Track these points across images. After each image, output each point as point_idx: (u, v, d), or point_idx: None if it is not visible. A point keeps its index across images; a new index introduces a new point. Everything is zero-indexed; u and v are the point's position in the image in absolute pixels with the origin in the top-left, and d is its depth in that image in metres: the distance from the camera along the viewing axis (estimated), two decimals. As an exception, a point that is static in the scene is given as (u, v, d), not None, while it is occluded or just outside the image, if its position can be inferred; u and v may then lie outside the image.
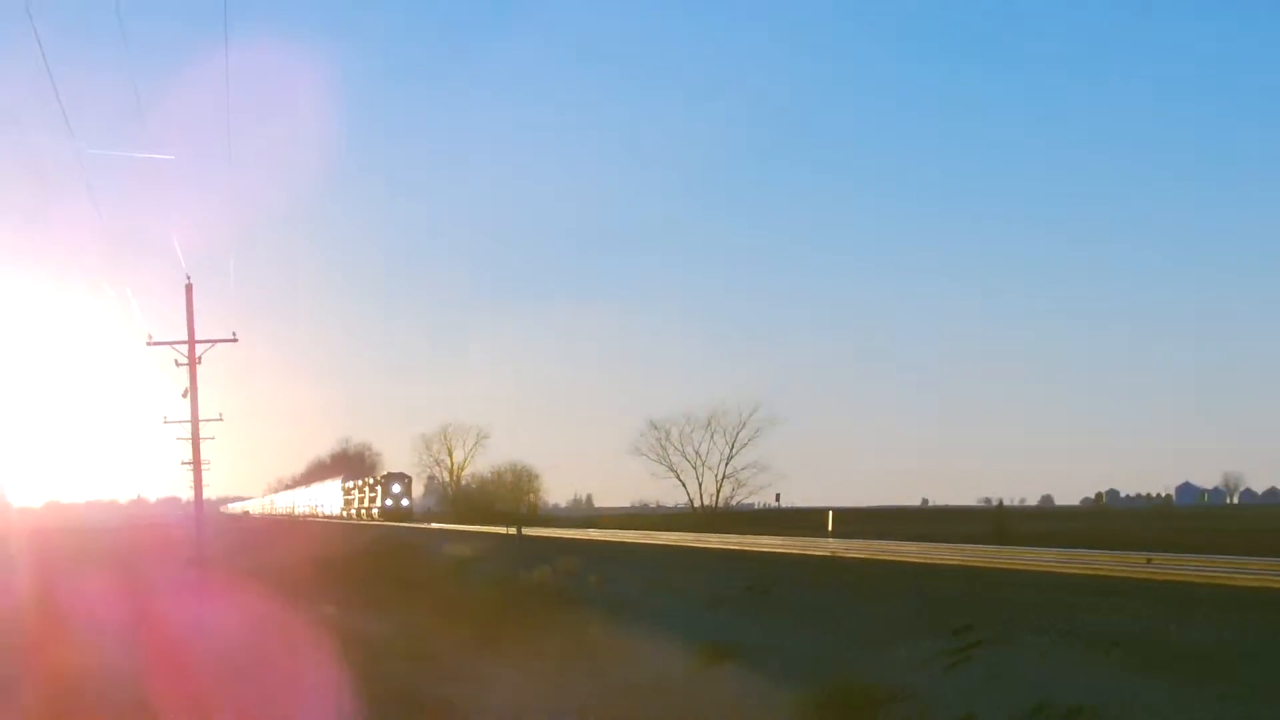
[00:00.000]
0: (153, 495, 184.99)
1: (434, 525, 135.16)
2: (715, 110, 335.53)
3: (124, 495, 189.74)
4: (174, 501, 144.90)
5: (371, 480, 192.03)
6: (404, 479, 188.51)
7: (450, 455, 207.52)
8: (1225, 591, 32.97)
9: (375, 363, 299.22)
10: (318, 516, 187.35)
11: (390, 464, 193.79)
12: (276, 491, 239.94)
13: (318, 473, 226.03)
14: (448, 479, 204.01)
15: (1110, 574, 41.13)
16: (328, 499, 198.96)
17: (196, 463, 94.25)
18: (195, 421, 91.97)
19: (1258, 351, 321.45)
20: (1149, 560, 48.38)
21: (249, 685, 35.73)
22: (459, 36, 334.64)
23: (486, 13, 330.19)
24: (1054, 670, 25.68)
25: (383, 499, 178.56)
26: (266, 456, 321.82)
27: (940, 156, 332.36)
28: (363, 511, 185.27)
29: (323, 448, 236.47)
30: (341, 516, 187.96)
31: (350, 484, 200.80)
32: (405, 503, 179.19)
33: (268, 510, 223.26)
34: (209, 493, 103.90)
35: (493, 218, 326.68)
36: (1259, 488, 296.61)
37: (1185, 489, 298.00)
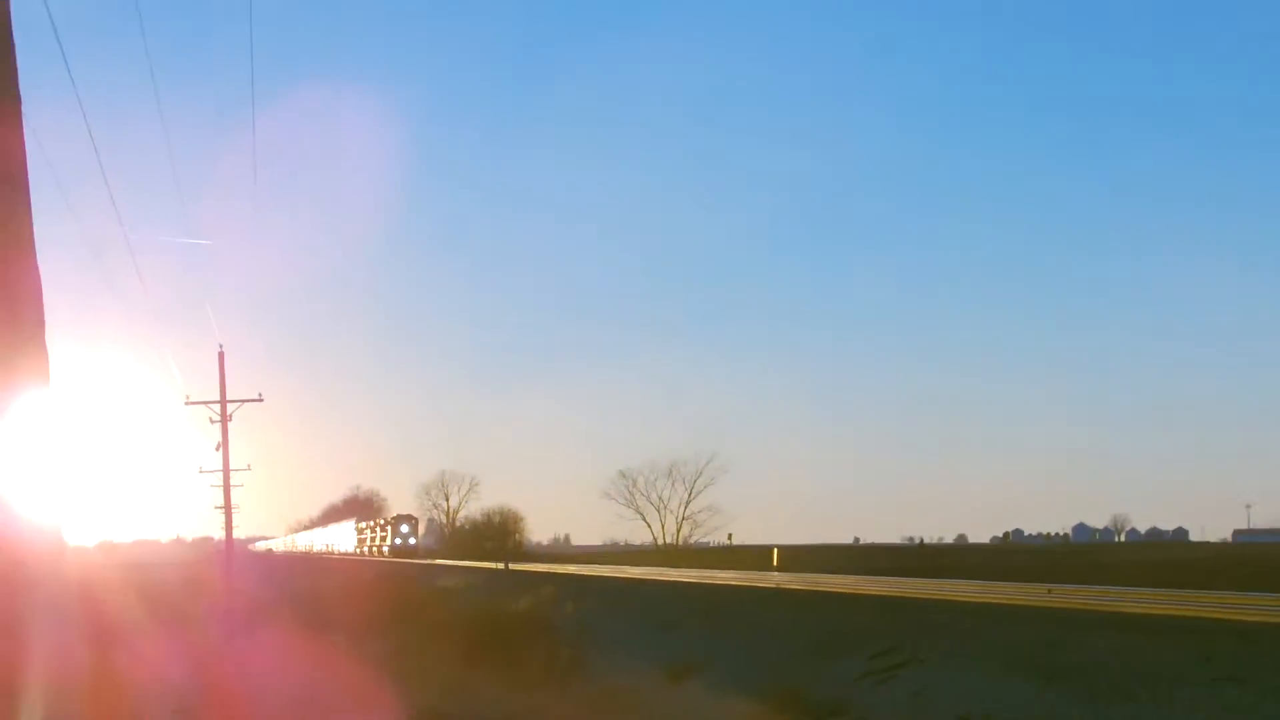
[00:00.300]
0: (189, 535, 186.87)
1: (435, 561, 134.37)
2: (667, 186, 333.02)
3: (165, 535, 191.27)
4: (208, 540, 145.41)
5: (382, 521, 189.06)
6: (411, 520, 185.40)
7: (447, 500, 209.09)
8: (1115, 617, 32.96)
9: (383, 418, 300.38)
10: (333, 554, 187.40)
11: (396, 508, 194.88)
12: (296, 532, 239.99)
13: (332, 515, 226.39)
14: (445, 521, 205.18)
15: (1017, 602, 41.14)
16: (342, 538, 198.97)
17: (228, 508, 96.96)
18: (226, 471, 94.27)
19: (1143, 404, 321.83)
20: (1049, 590, 48.48)
21: (267, 691, 35.96)
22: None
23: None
24: (972, 685, 25.71)
25: (392, 538, 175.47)
26: (287, 500, 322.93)
27: (851, 220, 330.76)
28: (374, 549, 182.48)
29: (336, 493, 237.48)
30: (355, 554, 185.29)
31: (363, 524, 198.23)
32: (412, 541, 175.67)
33: (289, 548, 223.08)
34: (238, 533, 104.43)
35: (486, 291, 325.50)
36: (1142, 527, 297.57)
37: (1080, 528, 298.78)
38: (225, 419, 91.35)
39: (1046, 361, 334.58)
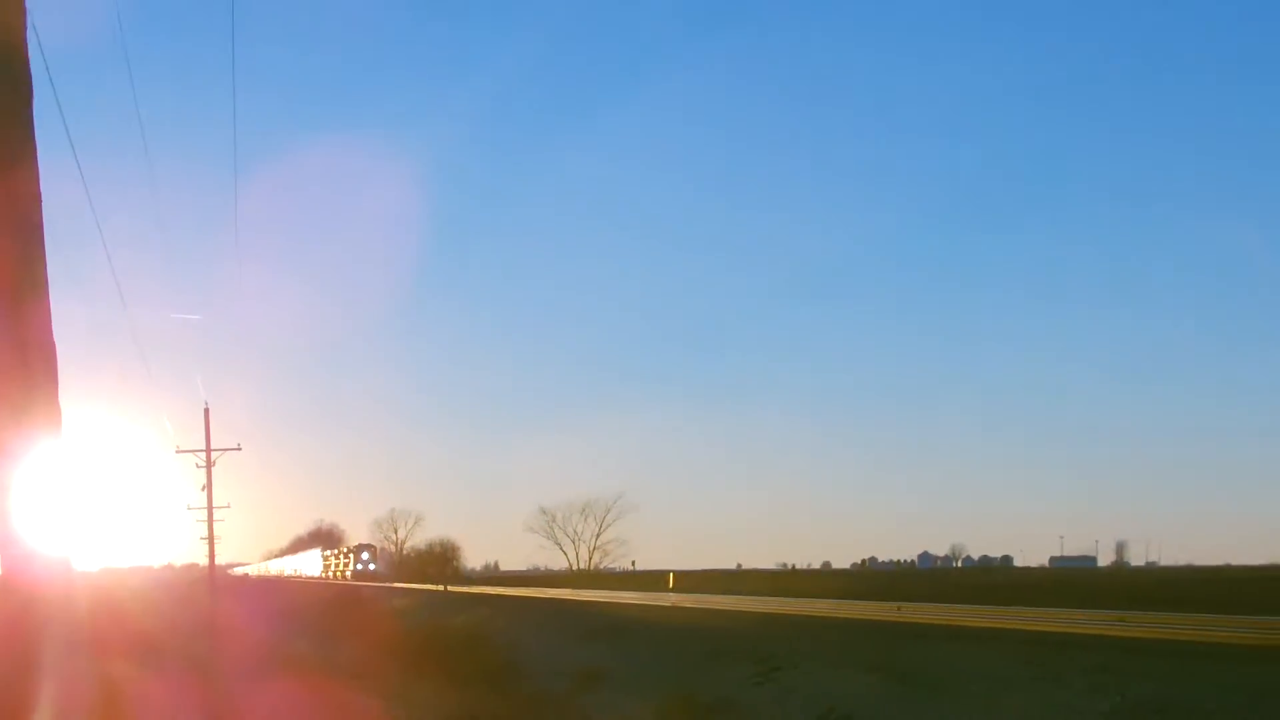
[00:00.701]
0: (178, 561, 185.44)
1: (388, 584, 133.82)
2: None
3: (157, 562, 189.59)
4: (194, 566, 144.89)
5: (345, 549, 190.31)
6: (371, 548, 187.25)
7: (396, 532, 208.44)
8: (954, 629, 33.04)
9: (342, 462, 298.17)
10: (301, 577, 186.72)
11: (353, 539, 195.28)
12: (269, 559, 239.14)
13: (299, 545, 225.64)
14: (395, 550, 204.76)
15: (871, 617, 41.15)
16: (310, 564, 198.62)
17: (211, 539, 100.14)
18: (210, 508, 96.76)
19: (974, 444, 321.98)
20: (899, 608, 48.56)
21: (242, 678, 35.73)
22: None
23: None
24: (835, 685, 25.72)
25: (354, 564, 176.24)
26: (261, 532, 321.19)
27: (737, 295, 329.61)
28: (338, 573, 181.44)
29: (302, 526, 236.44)
30: (321, 577, 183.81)
31: (328, 552, 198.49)
32: (372, 567, 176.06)
33: (263, 573, 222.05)
34: (219, 559, 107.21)
35: (428, 349, 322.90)
36: (975, 555, 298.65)
37: (924, 556, 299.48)
38: (210, 465, 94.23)
39: (899, 403, 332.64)
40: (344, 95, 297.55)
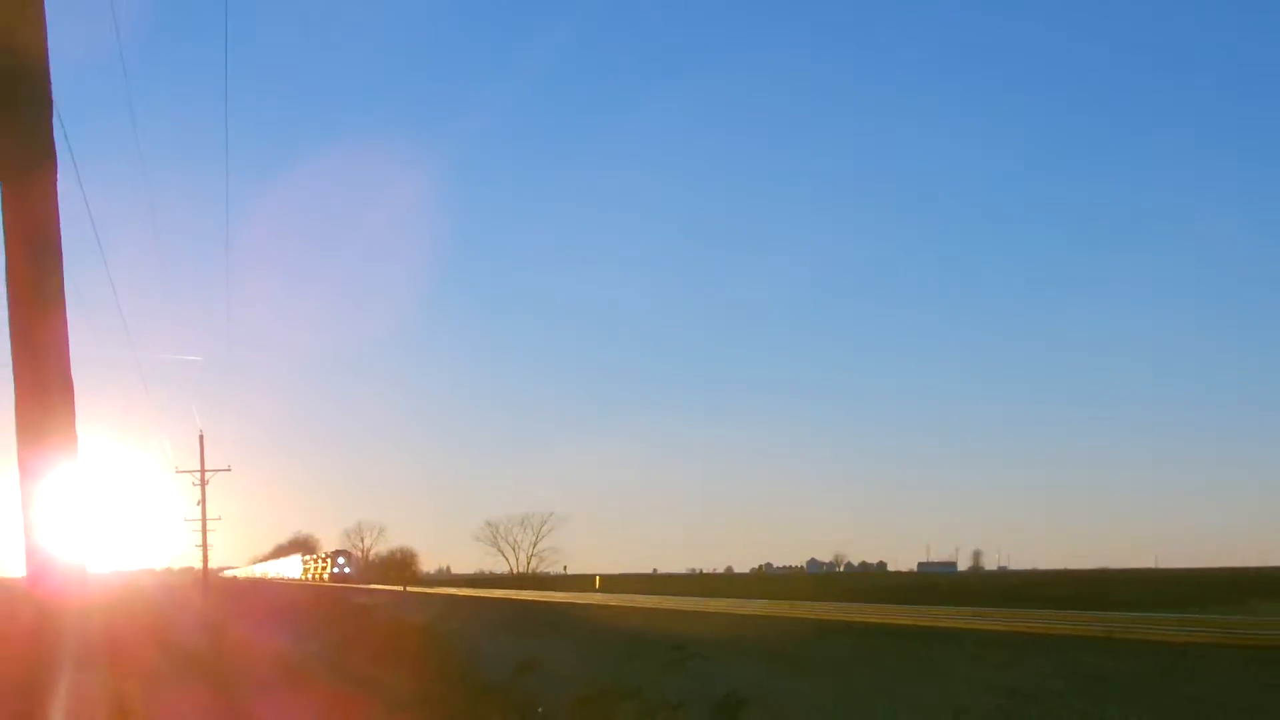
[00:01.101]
0: (176, 565, 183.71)
1: (357, 585, 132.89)
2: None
3: (158, 565, 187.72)
4: (190, 569, 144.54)
5: (323, 554, 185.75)
6: (346, 553, 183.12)
7: (363, 540, 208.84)
8: (844, 624, 33.07)
9: (317, 478, 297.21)
10: (283, 579, 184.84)
11: (326, 547, 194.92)
12: (254, 563, 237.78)
13: (280, 551, 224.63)
14: (362, 556, 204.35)
15: (772, 614, 41.17)
16: (291, 568, 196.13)
17: (204, 546, 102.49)
18: (204, 519, 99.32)
19: (850, 457, 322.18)
20: (792, 605, 48.65)
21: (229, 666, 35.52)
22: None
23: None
24: (739, 673, 25.64)
25: (331, 567, 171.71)
26: (247, 539, 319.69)
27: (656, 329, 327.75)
28: (317, 576, 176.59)
29: (283, 535, 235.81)
30: (301, 580, 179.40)
31: (308, 557, 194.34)
32: (348, 570, 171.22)
33: (249, 575, 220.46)
34: (211, 564, 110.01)
35: (389, 370, 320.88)
36: (855, 561, 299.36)
37: (812, 562, 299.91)
38: (204, 483, 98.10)
39: (795, 422, 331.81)
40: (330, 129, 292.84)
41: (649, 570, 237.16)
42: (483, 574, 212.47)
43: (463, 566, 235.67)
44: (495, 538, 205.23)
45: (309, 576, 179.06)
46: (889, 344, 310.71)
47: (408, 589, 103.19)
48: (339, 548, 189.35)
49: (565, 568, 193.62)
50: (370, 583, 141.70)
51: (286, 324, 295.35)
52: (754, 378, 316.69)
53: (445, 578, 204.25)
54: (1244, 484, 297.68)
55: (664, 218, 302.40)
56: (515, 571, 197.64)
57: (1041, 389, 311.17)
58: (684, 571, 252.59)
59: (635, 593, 79.65)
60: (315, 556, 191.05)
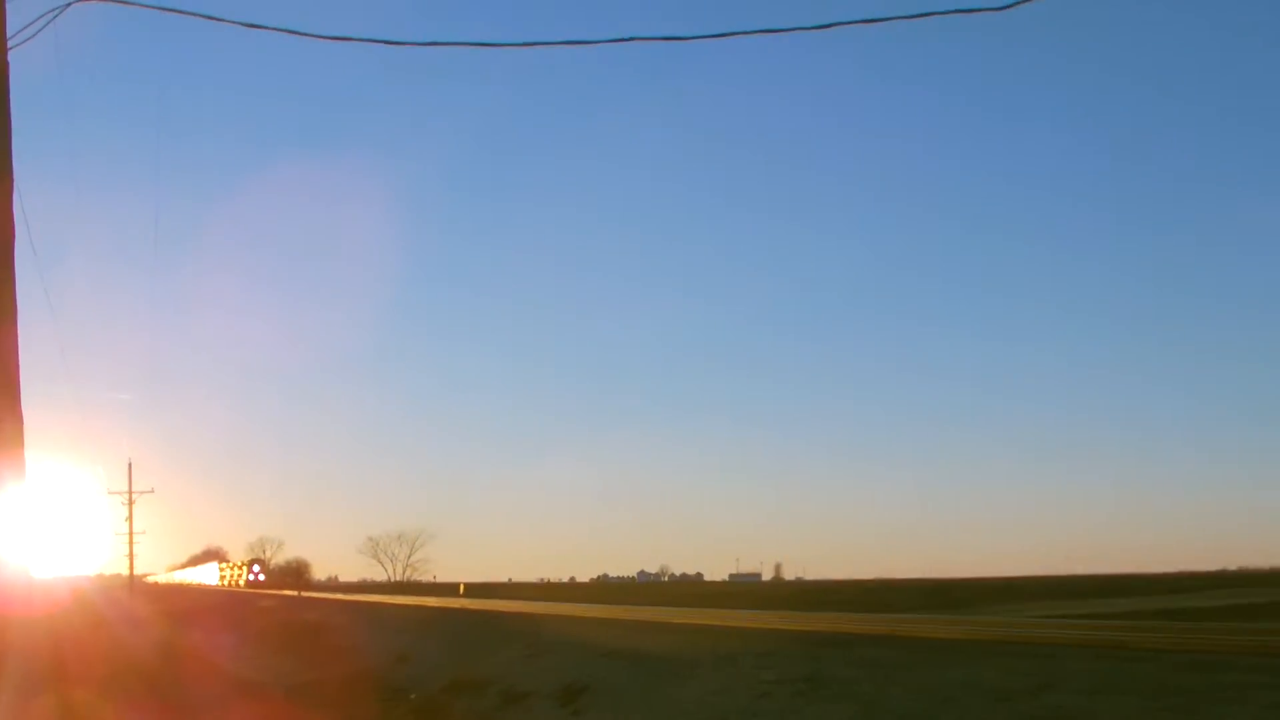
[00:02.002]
0: (107, 571, 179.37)
1: (261, 591, 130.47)
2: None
3: (91, 571, 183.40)
4: (118, 575, 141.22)
5: (239, 563, 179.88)
6: (261, 562, 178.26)
7: (264, 552, 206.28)
8: (670, 625, 33.24)
9: (224, 495, 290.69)
10: (201, 585, 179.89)
11: (234, 559, 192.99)
12: (173, 571, 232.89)
13: (195, 560, 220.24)
14: (263, 566, 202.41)
15: (610, 616, 41.24)
16: (208, 575, 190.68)
17: (131, 555, 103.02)
18: (131, 534, 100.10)
19: (671, 474, 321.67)
20: (628, 610, 48.76)
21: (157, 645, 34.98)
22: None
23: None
24: (575, 666, 25.65)
25: (247, 574, 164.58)
26: (166, 549, 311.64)
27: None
28: (233, 582, 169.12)
29: (195, 547, 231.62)
30: (218, 586, 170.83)
31: (224, 565, 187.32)
32: (262, 577, 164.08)
33: (169, 581, 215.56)
34: (137, 568, 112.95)
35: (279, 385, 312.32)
36: (677, 571, 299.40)
37: (641, 573, 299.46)
38: (131, 503, 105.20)
39: (625, 441, 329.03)
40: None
41: (505, 579, 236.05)
42: (365, 581, 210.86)
43: (348, 575, 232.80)
44: (376, 550, 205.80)
45: (225, 583, 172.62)
46: (714, 371, 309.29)
47: (302, 594, 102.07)
48: (250, 558, 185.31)
49: (434, 576, 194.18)
50: (271, 589, 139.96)
51: (208, 349, 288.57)
52: (599, 400, 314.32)
53: (333, 585, 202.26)
54: (1010, 501, 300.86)
55: (536, 244, 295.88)
56: (392, 580, 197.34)
57: (840, 410, 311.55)
58: (534, 581, 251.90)
59: (494, 598, 79.39)
60: (231, 564, 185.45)
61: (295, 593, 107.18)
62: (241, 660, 41.24)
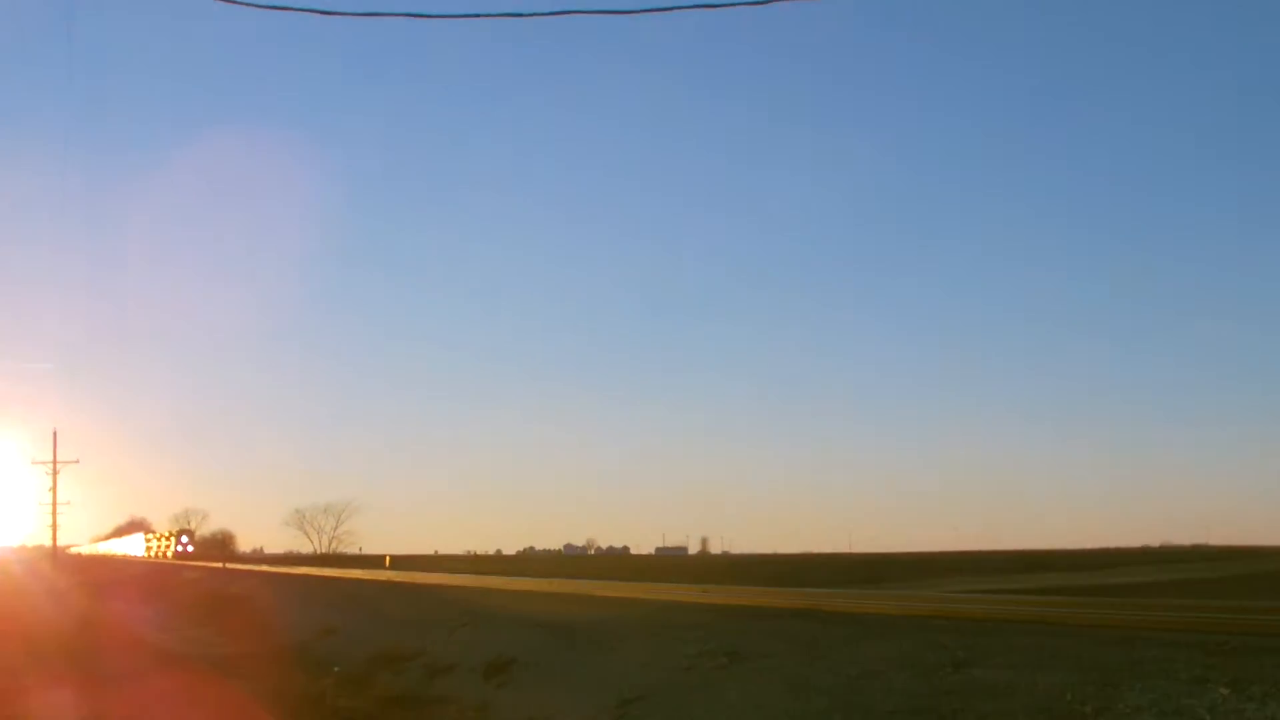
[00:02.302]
0: (30, 543, 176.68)
1: (186, 563, 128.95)
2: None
3: (15, 541, 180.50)
4: (41, 546, 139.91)
5: (168, 533, 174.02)
6: (189, 533, 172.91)
7: (189, 524, 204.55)
8: (592, 598, 33.19)
9: (148, 467, 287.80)
10: (126, 557, 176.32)
11: (158, 530, 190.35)
12: (97, 542, 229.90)
13: (119, 531, 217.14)
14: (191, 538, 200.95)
15: (535, 589, 41.12)
16: (134, 546, 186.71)
17: (54, 526, 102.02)
18: (54, 504, 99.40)
19: (608, 450, 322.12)
20: (551, 581, 48.66)
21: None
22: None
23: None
24: (500, 639, 25.56)
25: (175, 545, 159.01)
26: (92, 520, 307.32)
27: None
28: (160, 554, 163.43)
29: (120, 518, 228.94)
30: (144, 558, 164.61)
31: (150, 536, 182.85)
32: (190, 548, 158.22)
33: (93, 552, 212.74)
34: (62, 539, 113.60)
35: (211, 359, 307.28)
36: (604, 545, 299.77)
37: (568, 546, 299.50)
38: (55, 473, 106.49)
39: (557, 414, 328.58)
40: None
41: (431, 552, 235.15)
42: (291, 554, 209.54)
43: (274, 547, 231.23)
44: (302, 522, 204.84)
45: (152, 554, 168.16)
46: (643, 346, 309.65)
47: (226, 565, 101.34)
48: (178, 528, 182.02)
49: (360, 549, 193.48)
50: (195, 560, 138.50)
51: (135, 320, 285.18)
52: (527, 374, 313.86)
53: (259, 557, 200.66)
54: (923, 476, 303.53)
55: (469, 227, 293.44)
56: (318, 552, 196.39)
57: (766, 386, 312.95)
58: (460, 553, 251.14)
59: (420, 570, 79.11)
60: (158, 535, 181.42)
61: (220, 564, 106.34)
62: (165, 632, 40.80)
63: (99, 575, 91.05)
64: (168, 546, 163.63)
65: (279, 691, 24.12)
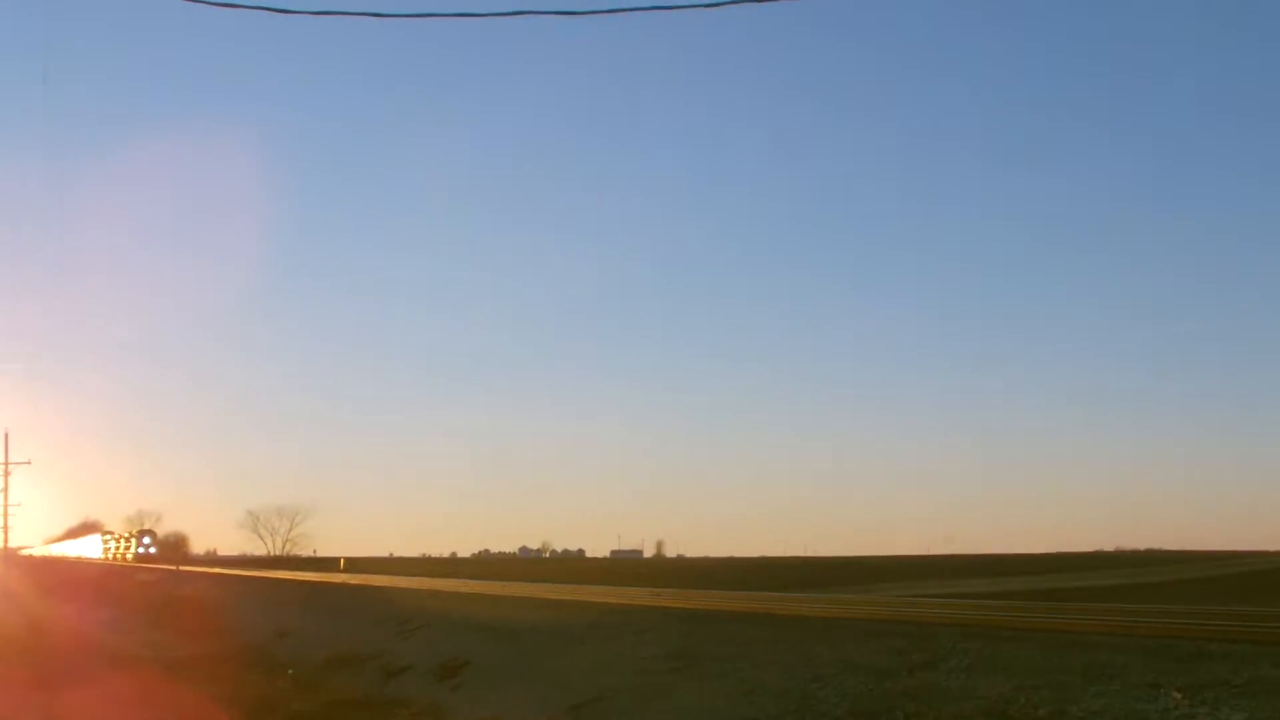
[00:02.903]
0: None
1: (139, 565, 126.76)
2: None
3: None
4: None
5: (128, 534, 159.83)
6: (151, 533, 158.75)
7: (145, 525, 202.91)
8: (556, 602, 33.10)
9: (100, 470, 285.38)
10: (81, 560, 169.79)
11: (113, 531, 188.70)
12: (49, 543, 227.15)
13: (72, 533, 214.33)
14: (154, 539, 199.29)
15: (490, 592, 40.97)
16: (90, 548, 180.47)
17: (5, 527, 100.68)
18: (5, 506, 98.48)
19: (562, 456, 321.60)
20: (504, 585, 48.52)
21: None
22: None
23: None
24: (454, 641, 25.47)
25: (136, 546, 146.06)
26: (43, 522, 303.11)
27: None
28: (119, 556, 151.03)
29: (73, 520, 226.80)
30: (102, 560, 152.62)
31: (108, 536, 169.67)
32: (153, 550, 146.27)
33: (45, 554, 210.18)
34: (13, 541, 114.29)
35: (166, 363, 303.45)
36: (559, 548, 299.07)
37: (523, 549, 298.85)
38: (7, 474, 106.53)
39: (511, 418, 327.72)
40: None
41: (386, 554, 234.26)
42: (244, 556, 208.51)
43: (228, 550, 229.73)
44: (256, 524, 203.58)
45: (110, 556, 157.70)
46: (599, 350, 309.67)
47: (180, 568, 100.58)
48: (140, 528, 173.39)
49: (315, 551, 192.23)
50: (153, 563, 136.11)
51: (89, 321, 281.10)
52: (483, 376, 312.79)
53: (213, 559, 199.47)
54: (878, 480, 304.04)
55: (421, 228, 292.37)
56: (273, 554, 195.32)
57: (723, 390, 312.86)
58: (415, 556, 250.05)
59: (374, 572, 78.78)
60: (117, 536, 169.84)
61: (173, 566, 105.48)
62: (118, 634, 40.45)
63: (52, 577, 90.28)
64: (128, 548, 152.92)
65: (234, 694, 23.91)
